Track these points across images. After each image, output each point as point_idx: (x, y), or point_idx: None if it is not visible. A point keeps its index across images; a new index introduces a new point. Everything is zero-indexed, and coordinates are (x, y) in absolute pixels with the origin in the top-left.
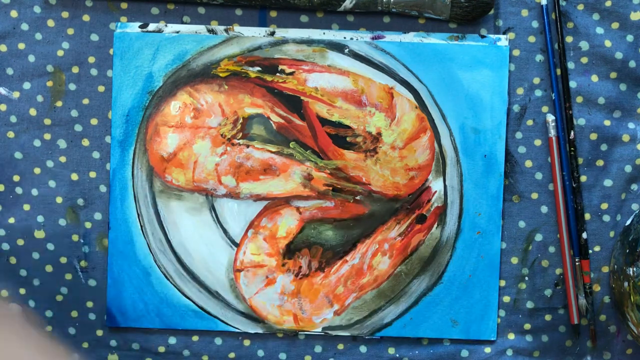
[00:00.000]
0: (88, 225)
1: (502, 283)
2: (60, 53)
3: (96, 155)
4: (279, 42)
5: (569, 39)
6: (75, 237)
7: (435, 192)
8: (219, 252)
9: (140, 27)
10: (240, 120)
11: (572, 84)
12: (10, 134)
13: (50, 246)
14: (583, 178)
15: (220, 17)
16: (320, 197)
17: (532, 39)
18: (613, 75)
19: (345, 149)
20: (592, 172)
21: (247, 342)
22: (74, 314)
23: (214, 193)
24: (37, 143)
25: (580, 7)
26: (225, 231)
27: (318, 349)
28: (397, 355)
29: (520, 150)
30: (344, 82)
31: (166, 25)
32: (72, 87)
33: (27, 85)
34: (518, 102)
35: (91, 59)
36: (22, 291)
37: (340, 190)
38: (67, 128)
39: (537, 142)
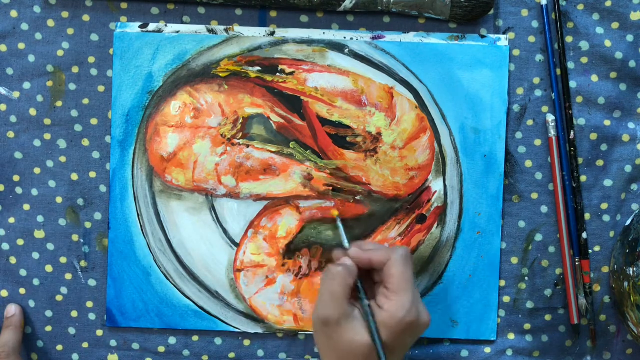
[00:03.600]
0: (88, 225)
1: (502, 283)
2: (60, 53)
3: (96, 155)
4: (279, 42)
5: (569, 39)
6: (75, 237)
7: (435, 192)
8: (219, 252)
9: (140, 27)
10: (240, 120)
11: (572, 84)
12: (10, 134)
13: (50, 246)
14: (583, 178)
15: (220, 17)
16: (320, 197)
17: (532, 39)
18: (613, 75)
19: (345, 149)
20: (592, 172)
21: (247, 342)
22: (74, 314)
23: (214, 193)
24: (37, 143)
25: (580, 7)
26: (225, 231)
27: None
28: None
29: (520, 150)
30: (344, 82)
31: (166, 25)
32: (72, 87)
33: (27, 85)
34: (518, 102)
35: (91, 59)
36: (22, 291)
37: (340, 190)
38: (67, 128)
39: (537, 142)
